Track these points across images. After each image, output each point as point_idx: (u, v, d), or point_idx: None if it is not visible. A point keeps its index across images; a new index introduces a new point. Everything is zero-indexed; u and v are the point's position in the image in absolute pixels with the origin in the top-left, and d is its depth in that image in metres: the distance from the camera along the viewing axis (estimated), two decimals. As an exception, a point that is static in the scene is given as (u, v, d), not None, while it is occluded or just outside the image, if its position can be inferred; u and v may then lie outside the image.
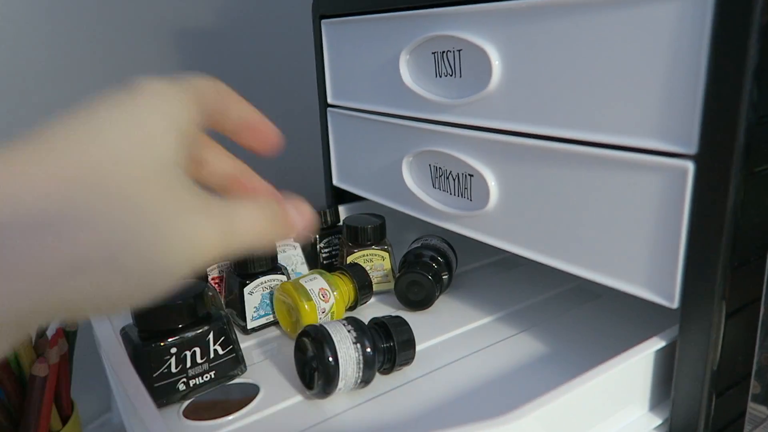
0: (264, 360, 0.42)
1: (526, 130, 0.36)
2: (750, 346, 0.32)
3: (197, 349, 0.38)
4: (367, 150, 0.52)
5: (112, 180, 0.19)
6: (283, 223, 0.25)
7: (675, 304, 0.30)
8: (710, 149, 0.27)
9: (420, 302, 0.47)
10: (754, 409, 0.35)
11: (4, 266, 0.17)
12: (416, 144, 0.45)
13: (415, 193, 0.46)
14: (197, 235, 0.22)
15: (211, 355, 0.38)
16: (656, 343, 0.32)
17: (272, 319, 0.47)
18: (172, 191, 0.21)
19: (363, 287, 0.47)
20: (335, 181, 0.59)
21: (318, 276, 0.46)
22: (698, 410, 0.30)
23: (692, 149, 0.27)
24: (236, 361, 0.39)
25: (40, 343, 0.43)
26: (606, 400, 0.31)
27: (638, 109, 0.29)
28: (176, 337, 0.37)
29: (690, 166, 0.27)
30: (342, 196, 0.60)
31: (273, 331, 0.47)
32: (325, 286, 0.45)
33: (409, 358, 0.39)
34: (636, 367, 0.32)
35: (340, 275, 0.48)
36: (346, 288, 0.47)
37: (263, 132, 0.27)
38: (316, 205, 0.59)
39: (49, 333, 0.44)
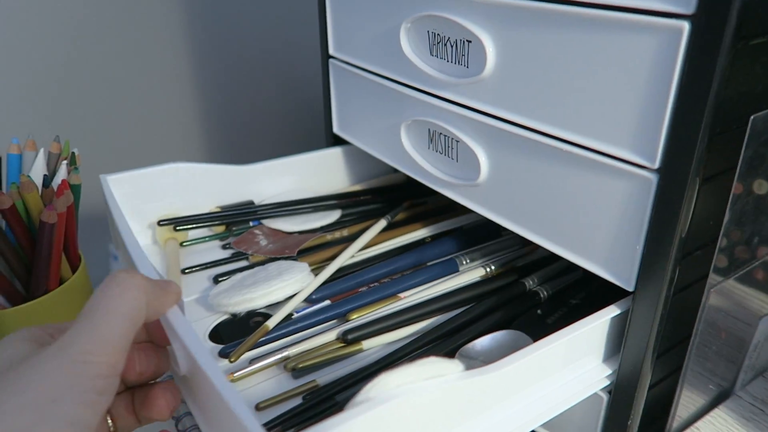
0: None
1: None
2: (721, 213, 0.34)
3: None
4: (365, 18, 0.51)
5: None
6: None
7: (656, 165, 0.31)
8: (705, 10, 0.27)
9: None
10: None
11: None
12: (414, 8, 0.44)
13: (412, 61, 0.46)
14: None
15: None
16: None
17: None
18: None
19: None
20: (332, 51, 0.58)
21: None
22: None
23: (690, 9, 0.28)
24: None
25: (46, 193, 0.44)
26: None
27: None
28: None
29: (686, 26, 0.28)
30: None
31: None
32: None
33: None
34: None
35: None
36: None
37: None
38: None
39: (54, 185, 0.45)
